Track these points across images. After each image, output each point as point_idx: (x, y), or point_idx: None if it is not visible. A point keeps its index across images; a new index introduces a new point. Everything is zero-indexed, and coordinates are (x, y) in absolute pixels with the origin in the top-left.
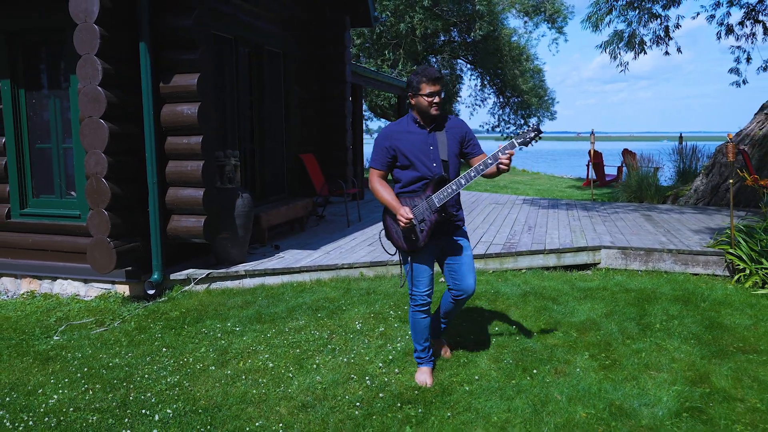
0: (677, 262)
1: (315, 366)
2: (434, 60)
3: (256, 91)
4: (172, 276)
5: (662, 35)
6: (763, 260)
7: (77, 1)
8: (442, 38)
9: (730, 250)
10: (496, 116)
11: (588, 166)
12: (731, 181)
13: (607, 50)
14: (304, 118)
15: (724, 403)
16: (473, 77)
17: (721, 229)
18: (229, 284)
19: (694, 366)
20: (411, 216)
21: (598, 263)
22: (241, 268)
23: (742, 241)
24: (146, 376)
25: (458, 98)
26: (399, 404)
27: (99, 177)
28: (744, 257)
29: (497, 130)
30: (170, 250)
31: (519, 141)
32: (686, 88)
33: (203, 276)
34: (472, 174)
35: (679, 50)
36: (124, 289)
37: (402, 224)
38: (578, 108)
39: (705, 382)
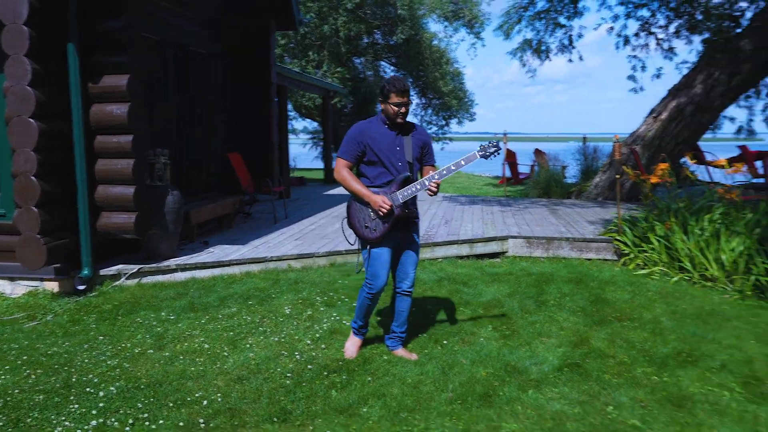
0: (574, 249)
1: (248, 346)
2: (358, 61)
3: (183, 92)
4: (103, 271)
5: (566, 44)
6: (644, 245)
7: (5, 2)
8: (366, 40)
9: (618, 237)
10: (419, 117)
11: (503, 165)
12: (618, 176)
13: (516, 57)
14: (231, 118)
15: (598, 359)
16: None
17: (614, 220)
18: (160, 278)
19: (578, 332)
20: (390, 203)
21: (506, 252)
22: (172, 262)
23: (627, 229)
24: (86, 360)
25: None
26: (326, 373)
27: (28, 175)
28: (628, 243)
29: None
30: (100, 246)
31: (480, 155)
32: (597, 92)
33: (134, 271)
34: (425, 182)
35: (581, 58)
36: (53, 286)
37: (383, 212)
38: (499, 110)
39: (585, 344)
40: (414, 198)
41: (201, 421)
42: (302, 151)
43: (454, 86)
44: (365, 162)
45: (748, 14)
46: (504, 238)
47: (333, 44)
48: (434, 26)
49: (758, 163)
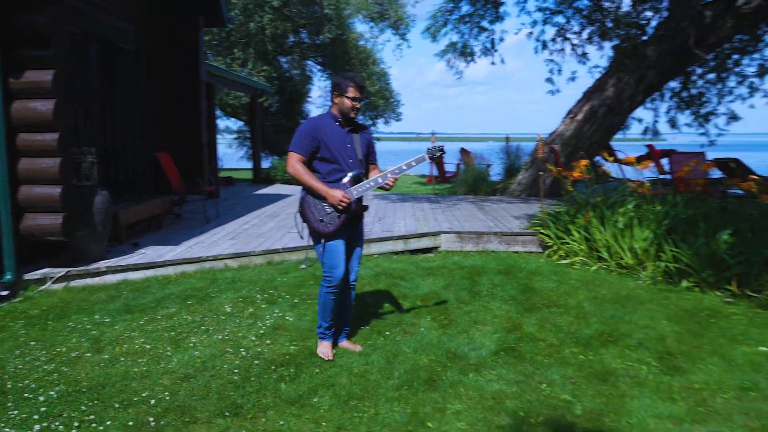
0: (502, 243)
1: (192, 345)
2: (284, 60)
3: (109, 89)
4: (27, 276)
5: (489, 47)
6: (566, 237)
7: None
8: (292, 39)
9: (542, 231)
10: None
11: (430, 164)
12: (541, 173)
13: (444, 59)
14: (159, 116)
15: (531, 343)
16: (323, 78)
17: (538, 215)
18: (89, 281)
19: (511, 319)
20: (350, 197)
21: (439, 246)
22: (102, 264)
23: (550, 223)
24: (20, 366)
25: (308, 98)
26: (273, 367)
27: None
28: (552, 236)
29: None
30: (23, 249)
31: (428, 156)
32: (517, 93)
33: (62, 274)
34: (380, 179)
35: (502, 60)
36: None
37: (343, 206)
38: (424, 110)
39: (518, 330)
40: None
41: (150, 419)
42: (227, 151)
43: (380, 86)
44: (318, 158)
45: (653, 23)
46: (436, 234)
47: (259, 42)
48: (361, 27)
49: (664, 161)
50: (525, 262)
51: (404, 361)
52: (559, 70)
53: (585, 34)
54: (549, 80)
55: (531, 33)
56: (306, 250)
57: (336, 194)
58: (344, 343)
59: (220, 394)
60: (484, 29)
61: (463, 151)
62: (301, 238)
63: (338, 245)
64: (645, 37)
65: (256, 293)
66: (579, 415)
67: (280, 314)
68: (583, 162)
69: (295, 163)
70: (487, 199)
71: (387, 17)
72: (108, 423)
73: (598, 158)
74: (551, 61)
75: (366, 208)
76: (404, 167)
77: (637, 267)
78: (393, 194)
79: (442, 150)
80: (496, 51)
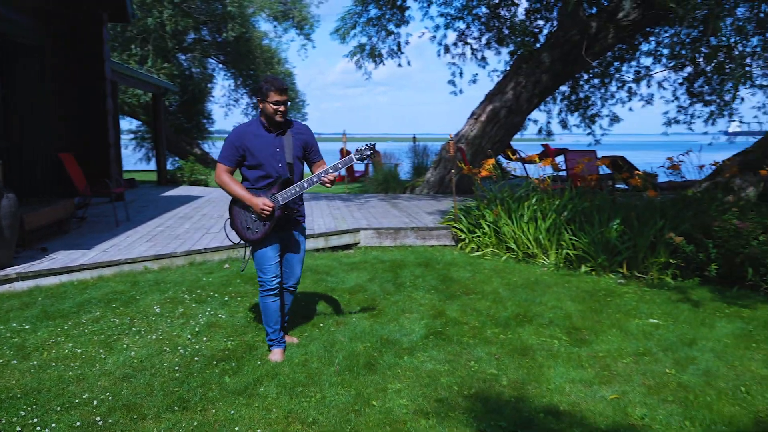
0: (418, 237)
1: (125, 346)
2: (183, 58)
3: (6, 86)
4: None
5: (395, 49)
6: (477, 230)
7: None
8: (192, 36)
9: (455, 225)
10: (250, 116)
11: None
12: (453, 171)
13: (353, 60)
14: (63, 115)
15: (455, 326)
16: (226, 77)
17: (449, 210)
18: None
19: (435, 307)
20: (272, 204)
21: (358, 243)
22: (11, 271)
23: (462, 218)
24: None
25: (211, 97)
26: (215, 362)
27: None
28: (464, 229)
29: None
30: None
31: (357, 157)
32: (418, 94)
33: None
34: (314, 180)
35: (408, 63)
36: None
37: (266, 214)
38: (325, 110)
39: (442, 316)
40: (300, 197)
41: (97, 419)
42: (124, 152)
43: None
44: (246, 166)
45: (546, 31)
46: (356, 231)
47: (158, 39)
48: (265, 26)
49: (559, 158)
50: (441, 254)
51: (341, 349)
52: (461, 73)
53: (484, 40)
54: (451, 82)
55: (434, 37)
56: (240, 250)
57: (258, 202)
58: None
59: (165, 390)
60: (391, 32)
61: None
62: (232, 243)
63: (267, 252)
64: (539, 44)
65: (183, 294)
66: (505, 385)
67: (212, 312)
68: (490, 161)
69: (221, 173)
70: (399, 196)
71: (291, 16)
72: (53, 425)
73: (499, 157)
74: (453, 64)
75: (295, 212)
76: (340, 165)
77: (542, 255)
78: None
79: (372, 149)
80: (402, 53)
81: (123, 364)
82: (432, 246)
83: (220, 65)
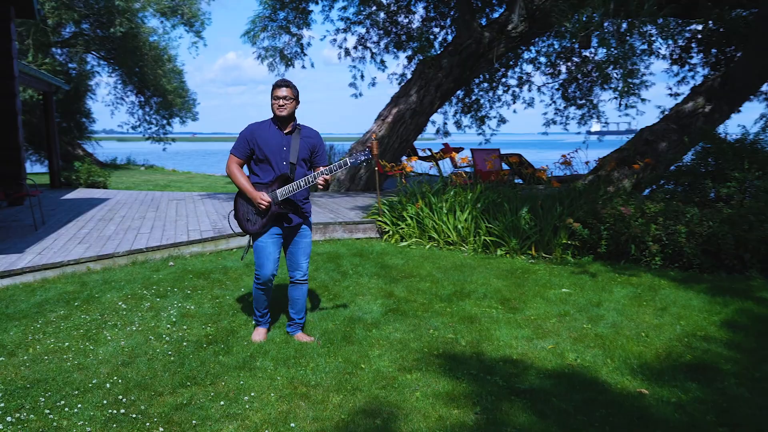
0: (346, 231)
1: (109, 338)
2: (59, 53)
3: None
4: None
5: (299, 51)
6: (400, 223)
7: None
8: (71, 29)
9: (380, 219)
10: (136, 116)
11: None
12: (377, 169)
13: (265, 63)
14: None
15: (407, 304)
16: (113, 75)
17: (367, 206)
18: None
19: (383, 289)
20: (269, 199)
21: None
22: None
23: (386, 211)
24: None
25: (92, 95)
26: (204, 345)
27: None
28: (388, 222)
29: (138, 130)
30: None
31: (351, 161)
32: (302, 94)
33: None
34: (310, 179)
35: (312, 65)
36: None
37: (263, 207)
38: (203, 109)
39: (392, 296)
40: (305, 196)
41: (120, 397)
42: None
43: (176, 84)
44: (254, 160)
45: (441, 38)
46: None
47: (39, 32)
48: (153, 21)
49: (462, 155)
50: (370, 246)
51: (315, 328)
52: (362, 76)
53: (382, 44)
54: (353, 85)
55: (335, 40)
56: (181, 248)
57: (256, 195)
58: (298, 335)
59: (169, 371)
60: (294, 35)
61: None
62: (234, 232)
63: (266, 245)
64: (435, 51)
65: (140, 290)
66: (464, 345)
67: (179, 305)
68: (414, 158)
69: (230, 164)
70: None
71: (180, 13)
72: (80, 406)
73: (403, 158)
74: (354, 67)
75: (290, 209)
76: (336, 167)
77: (461, 242)
78: (221, 194)
79: (369, 157)
80: (306, 56)
81: (116, 354)
82: (359, 239)
83: (103, 62)
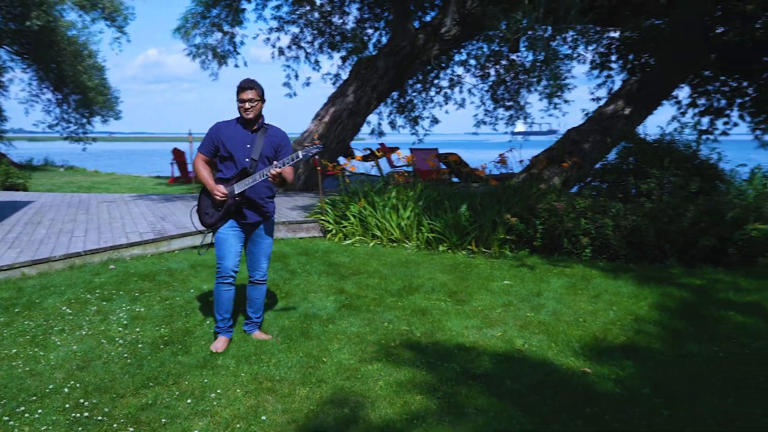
0: (289, 231)
1: (58, 344)
2: None
3: None
4: None
5: (232, 49)
6: (343, 221)
7: None
8: None
9: (322, 218)
10: (53, 114)
11: (172, 164)
12: (319, 168)
13: (197, 60)
14: None
15: (359, 299)
16: (28, 71)
17: (307, 206)
18: None
19: (333, 286)
20: (226, 192)
21: None
22: None
23: (329, 210)
24: None
25: (4, 92)
26: (161, 346)
27: None
28: (331, 221)
29: (56, 129)
30: None
31: (303, 153)
32: (225, 91)
33: None
34: (265, 173)
35: (245, 63)
36: None
37: (218, 198)
38: (123, 107)
39: (344, 292)
40: (267, 193)
41: (81, 401)
42: None
43: (98, 81)
44: (219, 157)
45: (375, 39)
46: None
47: None
48: (71, 15)
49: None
50: (315, 245)
51: (272, 326)
52: (296, 75)
53: (316, 45)
54: (287, 84)
55: (268, 39)
56: (121, 250)
57: (213, 187)
58: (256, 334)
59: (128, 373)
60: (226, 32)
61: (175, 151)
62: (196, 228)
63: (226, 237)
64: (372, 52)
65: (83, 294)
66: (419, 336)
67: (127, 308)
68: (358, 157)
69: (197, 161)
70: None
71: (100, 6)
72: (40, 411)
73: (341, 159)
74: (288, 66)
75: (249, 203)
76: (278, 164)
77: (404, 240)
78: (155, 195)
79: (319, 148)
80: (239, 54)
81: (69, 358)
82: (302, 238)
83: (17, 56)
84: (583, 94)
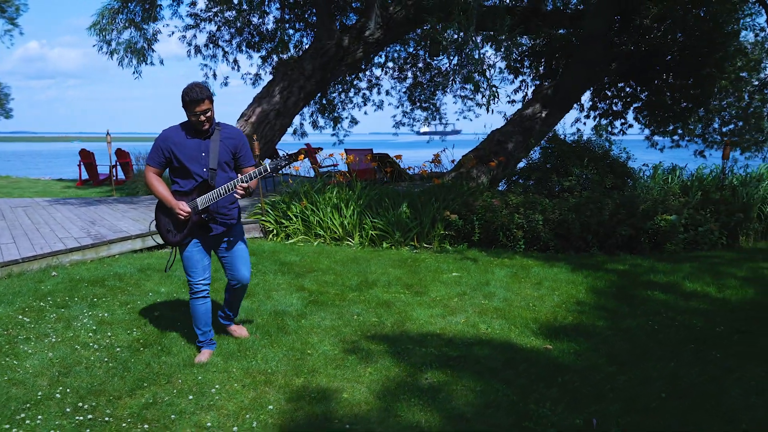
0: None
1: (30, 352)
2: None
3: None
4: None
5: (147, 47)
6: (285, 221)
7: None
8: None
9: (263, 218)
10: None
11: (79, 166)
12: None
13: (114, 57)
14: None
15: (321, 295)
16: None
17: (245, 207)
18: None
19: (292, 284)
20: (189, 209)
21: None
22: None
23: (270, 211)
24: None
25: None
26: (140, 349)
27: None
28: (272, 221)
29: None
30: None
31: (272, 166)
32: (116, 89)
33: None
34: (230, 187)
35: (161, 62)
36: None
37: (182, 217)
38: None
39: (305, 289)
40: (231, 201)
41: (79, 404)
42: None
43: None
44: (173, 168)
45: (298, 39)
46: None
47: None
48: None
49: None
50: (259, 245)
51: (245, 324)
52: (214, 75)
53: (234, 44)
54: (204, 84)
55: (184, 36)
56: (81, 252)
57: (174, 205)
58: (232, 328)
59: (116, 375)
60: (141, 29)
61: (119, 151)
62: (156, 243)
63: (192, 254)
64: (292, 52)
65: (34, 302)
66: (390, 326)
67: (89, 313)
68: (300, 157)
69: (148, 175)
70: None
71: None
72: (40, 417)
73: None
74: (206, 65)
75: (214, 217)
76: (245, 178)
77: (347, 237)
78: (73, 198)
79: (290, 158)
80: (154, 51)
81: (47, 366)
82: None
83: None
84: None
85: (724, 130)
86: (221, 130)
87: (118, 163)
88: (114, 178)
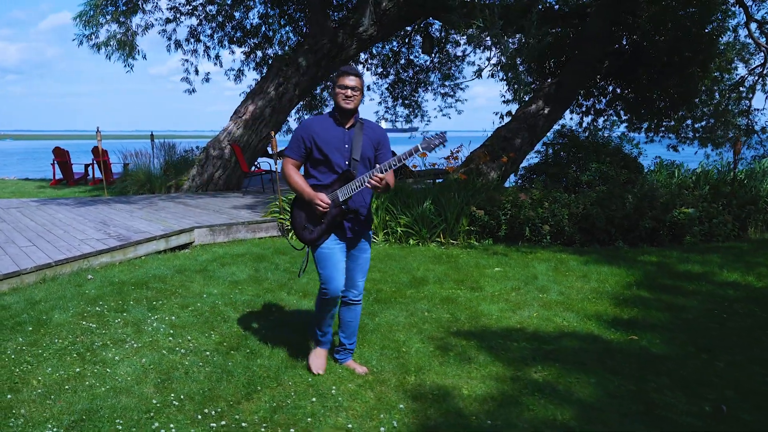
0: (249, 231)
1: (117, 359)
2: None
3: None
4: None
5: (130, 40)
6: None
7: None
8: None
9: (281, 217)
10: None
11: (53, 165)
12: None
13: (102, 51)
14: None
15: (378, 293)
16: None
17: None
18: None
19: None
20: (329, 201)
21: (194, 241)
22: None
23: (288, 208)
24: None
25: None
26: (230, 351)
27: None
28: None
29: None
30: None
31: (423, 146)
32: (61, 85)
33: None
34: (366, 178)
35: (144, 57)
36: None
37: (321, 208)
38: None
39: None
40: (367, 201)
41: (206, 410)
42: None
43: None
44: (312, 160)
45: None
46: (191, 229)
47: None
48: None
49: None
50: (283, 243)
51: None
52: (196, 70)
53: (216, 39)
54: (185, 80)
55: (164, 30)
56: (110, 254)
57: (313, 197)
58: (349, 363)
59: (221, 380)
60: (123, 23)
61: (95, 150)
62: (297, 249)
63: (330, 255)
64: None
65: (89, 307)
66: (465, 321)
67: (154, 317)
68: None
69: (286, 166)
70: (175, 197)
71: None
72: (173, 426)
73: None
74: (186, 61)
75: (353, 213)
76: (396, 162)
77: (373, 235)
78: (64, 198)
79: (442, 138)
80: (136, 45)
81: (143, 372)
82: (262, 238)
83: None
84: (475, 94)
85: (696, 126)
86: (364, 123)
87: (94, 162)
88: (89, 177)
